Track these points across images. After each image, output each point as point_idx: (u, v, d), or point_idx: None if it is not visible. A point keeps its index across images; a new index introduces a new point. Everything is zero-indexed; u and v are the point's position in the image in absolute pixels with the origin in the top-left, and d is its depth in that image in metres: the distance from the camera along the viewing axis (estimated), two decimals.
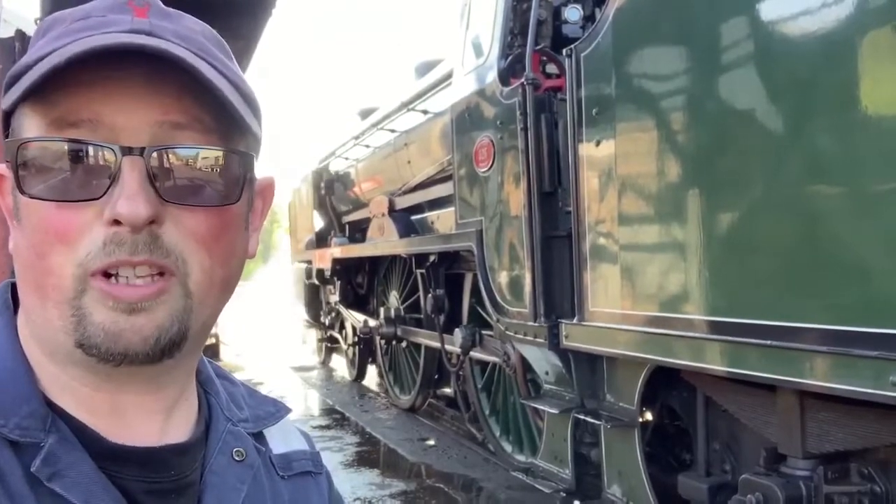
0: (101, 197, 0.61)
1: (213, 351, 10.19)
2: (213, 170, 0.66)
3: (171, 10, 0.68)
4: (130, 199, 0.60)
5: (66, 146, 0.61)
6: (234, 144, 0.68)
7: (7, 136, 0.67)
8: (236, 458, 0.74)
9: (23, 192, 0.62)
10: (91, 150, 0.61)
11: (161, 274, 0.63)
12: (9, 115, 0.66)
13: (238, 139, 0.68)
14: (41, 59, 0.62)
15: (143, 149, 0.62)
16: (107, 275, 0.61)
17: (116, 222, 0.60)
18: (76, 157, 0.61)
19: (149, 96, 0.62)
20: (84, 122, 0.61)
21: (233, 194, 0.67)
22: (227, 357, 10.86)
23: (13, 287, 0.71)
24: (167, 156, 0.63)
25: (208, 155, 0.66)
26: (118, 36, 0.62)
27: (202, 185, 0.65)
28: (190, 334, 0.66)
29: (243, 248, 0.72)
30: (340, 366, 10.03)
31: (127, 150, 0.61)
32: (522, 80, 3.86)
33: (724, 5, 2.67)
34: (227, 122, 0.66)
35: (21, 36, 2.63)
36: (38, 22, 3.03)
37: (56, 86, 0.60)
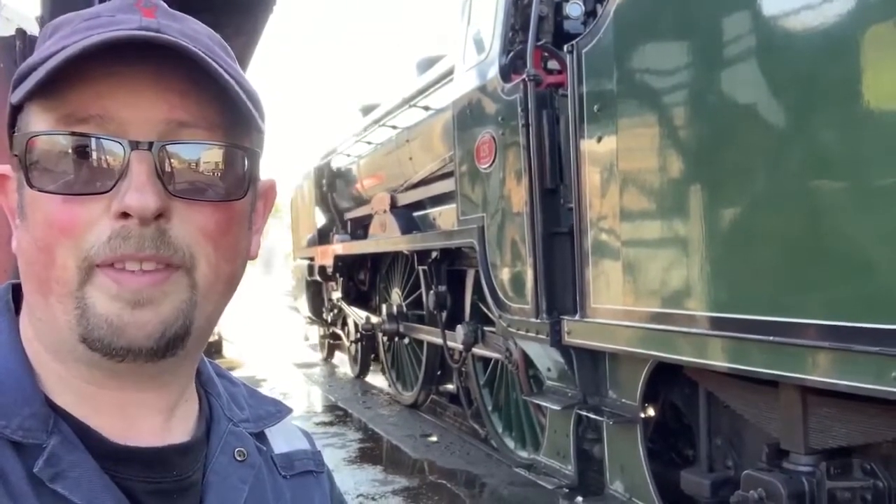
0: (109, 191, 0.62)
1: (216, 347, 10.20)
2: (219, 165, 0.66)
3: (176, 12, 0.69)
4: (139, 191, 0.61)
5: (74, 140, 0.62)
6: (240, 140, 0.68)
7: (13, 132, 0.67)
8: (238, 458, 0.74)
9: (31, 186, 0.62)
10: (100, 144, 0.62)
11: (167, 266, 0.63)
12: (16, 112, 0.66)
13: (243, 135, 0.69)
14: (51, 56, 0.62)
15: (151, 143, 0.62)
16: (110, 265, 0.62)
17: (124, 215, 0.61)
18: (84, 151, 0.62)
19: (155, 92, 0.63)
20: (93, 118, 0.62)
21: (239, 190, 0.68)
22: (230, 354, 10.88)
23: (15, 289, 0.71)
24: (175, 150, 0.64)
25: (215, 150, 0.66)
26: (128, 31, 0.62)
27: (209, 181, 0.66)
28: (193, 329, 0.66)
29: (246, 247, 0.72)
30: (343, 362, 10.04)
31: (135, 145, 0.62)
32: (524, 76, 3.86)
33: (724, 0, 2.67)
34: (233, 117, 0.66)
35: (22, 34, 2.62)
36: (38, 20, 3.03)
37: (65, 81, 0.60)
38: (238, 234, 0.69)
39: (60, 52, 0.61)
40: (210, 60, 0.64)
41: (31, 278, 0.65)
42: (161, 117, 0.63)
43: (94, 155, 0.62)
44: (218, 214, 0.66)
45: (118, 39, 0.59)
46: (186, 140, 0.64)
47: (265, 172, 0.76)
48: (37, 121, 0.64)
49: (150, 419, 0.69)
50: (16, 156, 0.65)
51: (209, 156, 0.66)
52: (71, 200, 0.61)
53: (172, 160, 0.63)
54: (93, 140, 0.62)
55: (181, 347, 0.66)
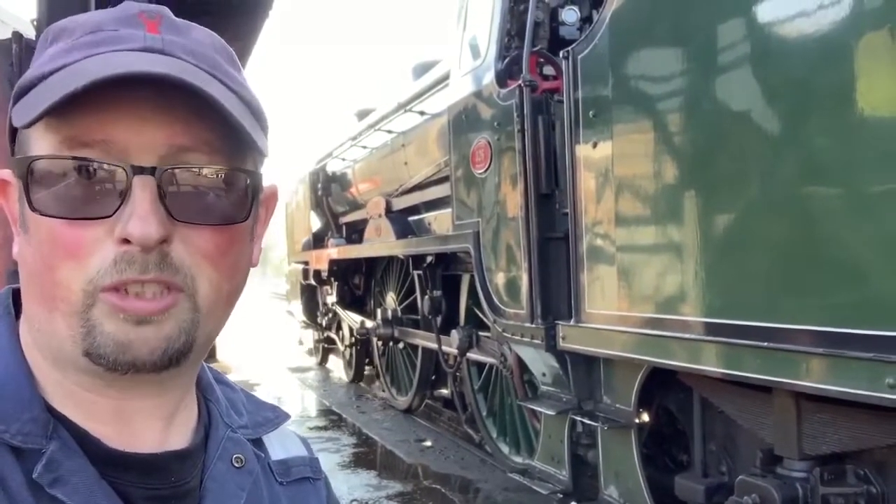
0: (111, 215, 0.62)
1: (209, 351, 10.15)
2: (221, 188, 0.66)
3: (181, 22, 0.68)
4: (142, 219, 0.61)
5: (77, 164, 0.62)
6: (242, 162, 0.68)
7: (13, 148, 0.67)
8: (235, 465, 0.74)
9: (33, 209, 0.62)
10: (102, 168, 0.62)
11: (169, 289, 0.64)
12: (16, 128, 0.66)
13: (246, 157, 0.69)
14: (53, 72, 0.62)
15: (153, 168, 0.62)
16: (115, 289, 0.62)
17: (127, 241, 0.61)
18: (87, 175, 0.62)
19: (158, 117, 0.63)
20: (97, 143, 0.62)
21: (241, 212, 0.68)
22: (223, 357, 10.85)
23: (15, 293, 0.71)
24: (177, 175, 0.64)
25: (217, 174, 0.66)
26: (132, 58, 0.62)
27: (211, 204, 0.66)
28: (196, 345, 0.67)
29: (248, 260, 0.72)
30: (337, 367, 10.03)
31: (138, 170, 0.62)
32: (519, 81, 3.87)
33: (720, 7, 2.68)
34: (236, 140, 0.66)
35: (18, 38, 2.62)
36: (34, 23, 3.03)
37: (68, 104, 0.60)
38: (240, 252, 0.70)
39: (63, 72, 0.61)
40: (215, 82, 0.64)
41: (33, 291, 0.65)
42: (163, 142, 0.63)
43: (97, 179, 0.62)
44: (220, 236, 0.66)
45: (121, 76, 0.59)
46: (189, 164, 0.64)
47: (265, 178, 0.76)
48: (38, 142, 0.63)
49: (148, 426, 0.69)
50: (18, 178, 0.65)
51: (211, 179, 0.66)
52: (74, 223, 0.62)
53: (175, 184, 0.63)
54: (96, 164, 0.62)
55: (184, 360, 0.66)
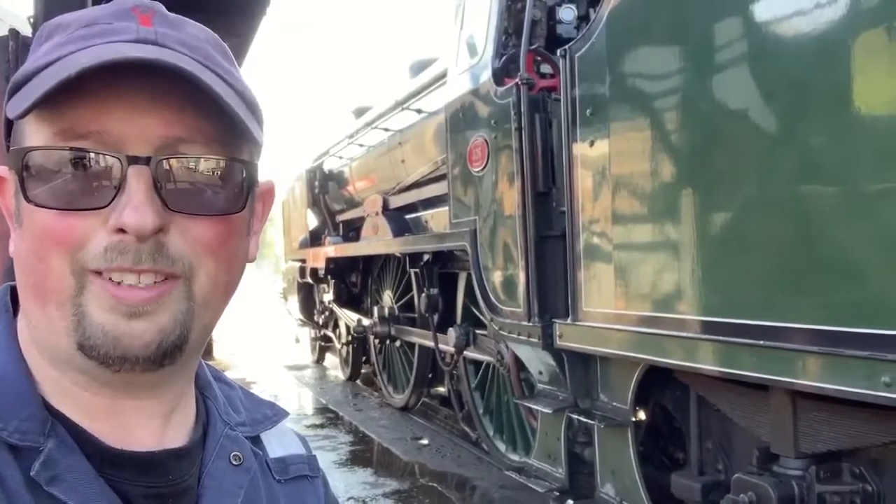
0: (106, 206, 0.62)
1: (206, 348, 10.13)
2: (217, 178, 0.66)
3: (174, 16, 0.68)
4: (137, 209, 0.61)
5: (72, 155, 0.62)
6: (237, 153, 0.68)
7: (8, 141, 0.67)
8: (234, 463, 0.74)
9: (28, 200, 0.62)
10: (97, 159, 0.62)
11: (166, 278, 0.64)
12: (11, 122, 0.66)
13: (241, 147, 0.69)
14: (47, 65, 0.62)
15: (148, 158, 0.62)
16: (107, 276, 0.62)
17: (121, 230, 0.61)
18: (82, 166, 0.62)
19: (152, 108, 0.63)
20: (92, 134, 0.62)
21: (237, 202, 0.68)
22: (220, 355, 10.84)
23: (13, 291, 0.71)
24: (172, 165, 0.63)
25: (213, 164, 0.66)
26: (125, 47, 0.62)
27: (207, 194, 0.66)
28: (191, 338, 0.66)
29: (245, 253, 0.72)
30: (334, 365, 10.03)
31: (133, 160, 0.62)
32: (517, 79, 3.87)
33: (717, 6, 2.68)
34: (231, 131, 0.66)
35: (15, 35, 2.61)
36: (31, 21, 3.02)
37: (62, 95, 0.60)
38: (237, 243, 0.70)
39: (57, 66, 0.61)
40: (209, 72, 0.64)
41: (27, 286, 0.65)
42: (158, 133, 0.63)
43: (92, 170, 0.62)
44: (217, 227, 0.66)
45: (115, 62, 0.59)
46: (184, 154, 0.64)
47: (262, 174, 0.76)
48: (33, 134, 0.63)
49: (146, 424, 0.69)
50: (12, 169, 0.65)
51: (207, 169, 0.66)
52: (69, 214, 0.61)
53: (170, 174, 0.63)
54: (91, 155, 0.62)
55: (180, 355, 0.66)
